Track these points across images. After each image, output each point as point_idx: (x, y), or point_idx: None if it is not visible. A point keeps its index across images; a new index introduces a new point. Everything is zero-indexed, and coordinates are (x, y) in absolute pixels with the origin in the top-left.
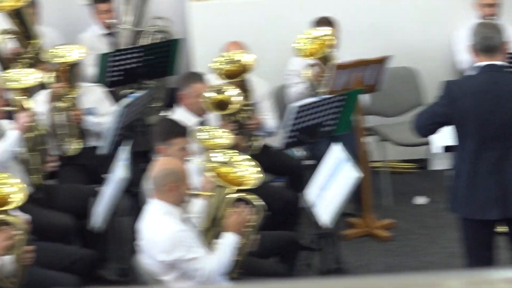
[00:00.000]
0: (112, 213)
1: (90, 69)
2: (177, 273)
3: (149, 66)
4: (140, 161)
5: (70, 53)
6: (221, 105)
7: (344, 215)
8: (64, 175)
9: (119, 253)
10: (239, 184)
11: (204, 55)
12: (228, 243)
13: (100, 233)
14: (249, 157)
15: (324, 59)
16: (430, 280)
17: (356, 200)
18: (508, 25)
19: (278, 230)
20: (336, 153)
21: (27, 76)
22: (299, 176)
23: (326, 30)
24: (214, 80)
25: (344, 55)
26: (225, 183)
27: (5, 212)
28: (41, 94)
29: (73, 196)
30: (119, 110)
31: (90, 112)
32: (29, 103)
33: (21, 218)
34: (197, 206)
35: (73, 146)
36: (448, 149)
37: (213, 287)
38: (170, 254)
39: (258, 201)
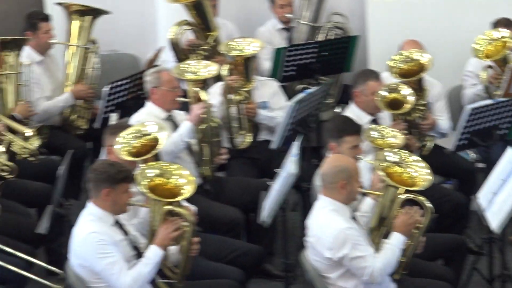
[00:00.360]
0: (281, 208)
1: (266, 63)
2: (343, 270)
3: (324, 62)
4: (312, 157)
5: (246, 47)
6: (395, 104)
7: None
8: (234, 168)
9: (286, 248)
10: (410, 185)
11: (380, 53)
12: (395, 244)
13: (267, 228)
14: (420, 158)
15: (502, 61)
16: None
17: None
18: None
19: (446, 233)
20: (510, 157)
21: (204, 68)
22: (470, 179)
23: (505, 32)
24: (389, 78)
25: None
26: (395, 183)
27: (174, 203)
28: (216, 86)
29: (242, 190)
30: (292, 105)
31: (263, 106)
32: (204, 95)
33: (190, 209)
34: (366, 204)
35: (245, 139)
36: None
37: None
38: (337, 251)
39: (427, 203)
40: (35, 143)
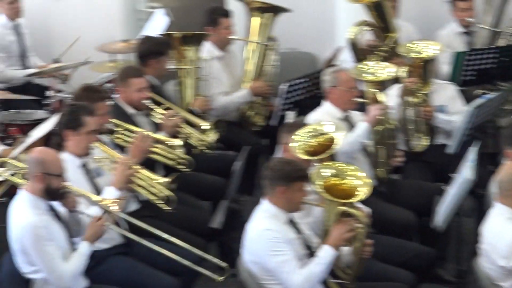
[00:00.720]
0: (455, 213)
1: (444, 66)
2: None
3: (504, 67)
4: (488, 163)
5: (425, 49)
6: None
7: None
8: (409, 171)
9: (459, 254)
10: None
11: None
12: None
13: (441, 232)
14: None
15: None
16: None
17: None
18: None
19: None
20: None
21: (382, 70)
22: None
23: None
24: None
25: None
26: None
27: (349, 204)
28: (394, 88)
29: (416, 193)
30: (470, 110)
31: (441, 109)
32: (381, 96)
33: (364, 210)
34: None
35: (421, 142)
36: None
37: None
38: (511, 260)
39: None
40: (212, 136)
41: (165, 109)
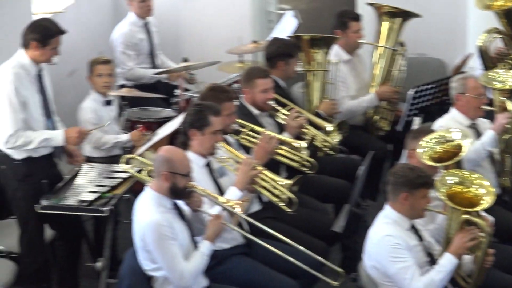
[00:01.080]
0: None
1: None
2: None
3: None
4: None
5: None
6: None
7: None
8: None
9: None
10: None
11: None
12: None
13: None
14: None
15: None
16: None
17: None
18: None
19: None
20: None
21: None
22: None
23: None
24: None
25: None
26: None
27: (473, 212)
28: None
29: None
30: None
31: None
32: (510, 105)
33: (487, 219)
34: None
35: None
36: None
37: None
38: None
39: None
40: (336, 138)
41: (289, 110)
